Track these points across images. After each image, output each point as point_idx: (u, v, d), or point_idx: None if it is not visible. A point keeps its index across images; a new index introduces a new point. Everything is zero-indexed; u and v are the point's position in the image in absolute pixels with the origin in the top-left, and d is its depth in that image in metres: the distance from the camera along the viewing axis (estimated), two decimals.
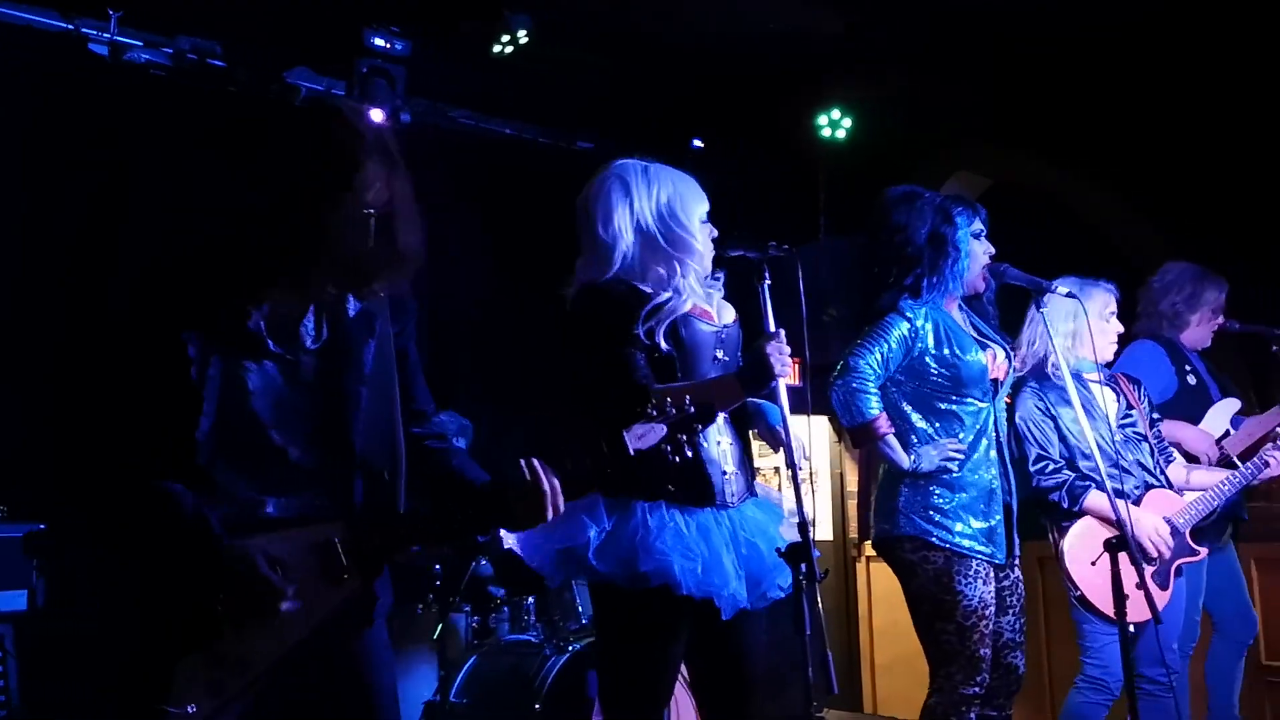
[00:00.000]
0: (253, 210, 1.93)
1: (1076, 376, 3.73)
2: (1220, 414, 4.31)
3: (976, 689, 3.10)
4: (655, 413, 2.14)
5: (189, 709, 1.81)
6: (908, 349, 3.21)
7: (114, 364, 1.92)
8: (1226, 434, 4.27)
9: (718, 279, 2.81)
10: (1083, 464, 3.66)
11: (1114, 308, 3.81)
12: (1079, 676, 3.82)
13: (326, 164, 1.91)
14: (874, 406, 3.14)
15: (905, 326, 3.20)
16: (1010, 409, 3.81)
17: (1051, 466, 3.65)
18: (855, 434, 3.18)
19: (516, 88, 5.64)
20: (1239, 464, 4.16)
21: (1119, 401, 3.87)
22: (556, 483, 2.02)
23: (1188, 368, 4.38)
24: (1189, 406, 4.29)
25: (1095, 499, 3.59)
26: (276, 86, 5.16)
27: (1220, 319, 4.40)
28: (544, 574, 2.66)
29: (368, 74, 4.97)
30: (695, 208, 2.75)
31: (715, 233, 2.77)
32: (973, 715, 3.11)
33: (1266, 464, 3.94)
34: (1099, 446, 3.54)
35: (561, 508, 2.02)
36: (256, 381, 1.93)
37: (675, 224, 2.72)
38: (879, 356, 3.19)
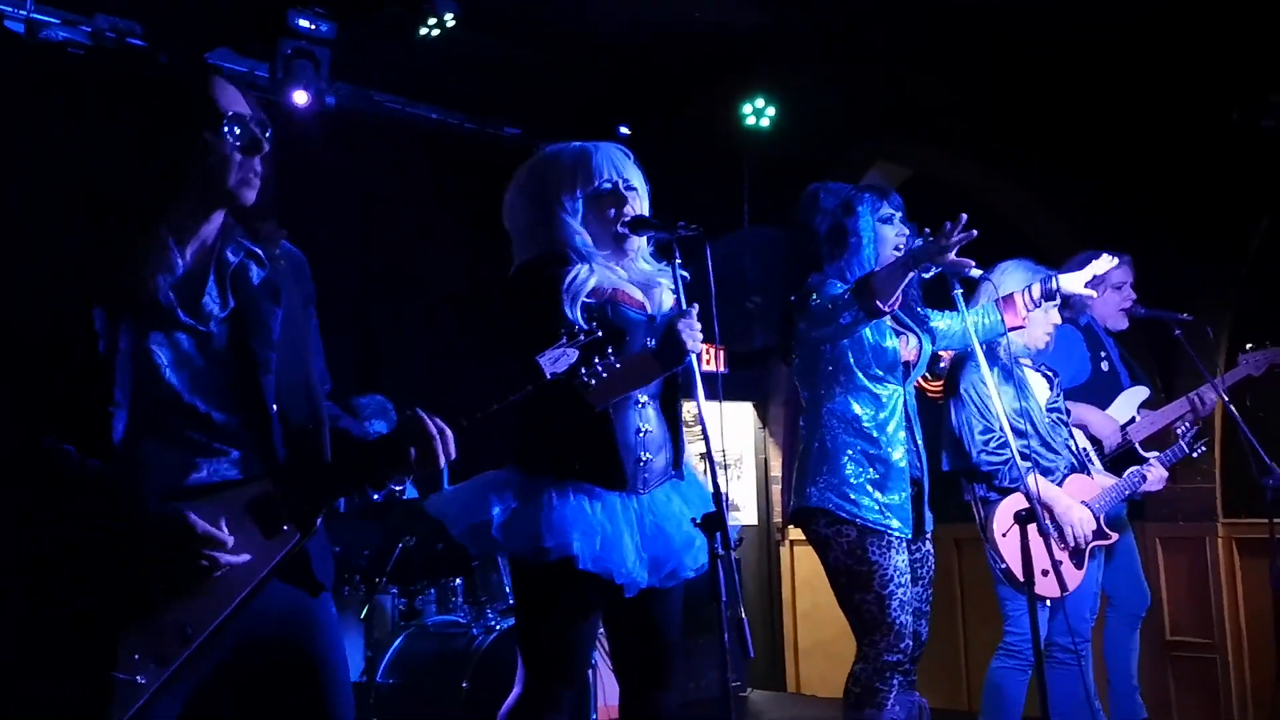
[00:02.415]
0: (126, 158, 1.98)
1: (1014, 360, 3.89)
2: (1128, 401, 4.48)
3: (899, 656, 3.20)
4: (566, 338, 2.21)
5: (138, 679, 1.81)
6: None
7: (19, 342, 1.91)
8: (1132, 421, 4.44)
9: (664, 270, 2.86)
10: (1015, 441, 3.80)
11: (1056, 300, 3.90)
12: (999, 646, 3.97)
13: (189, 103, 1.97)
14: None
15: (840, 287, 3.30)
16: (950, 382, 3.95)
17: (995, 443, 3.78)
18: (867, 297, 3.12)
19: (443, 73, 5.62)
20: (1140, 451, 4.35)
21: (1051, 388, 4.03)
22: (448, 430, 2.05)
23: (1102, 354, 4.55)
24: (1100, 392, 4.45)
25: (1034, 480, 3.74)
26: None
27: (1128, 296, 4.54)
28: (465, 545, 2.74)
29: (291, 55, 4.90)
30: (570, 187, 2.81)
31: (630, 217, 2.81)
32: (896, 681, 3.21)
33: (1144, 477, 4.10)
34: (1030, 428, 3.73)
35: (453, 453, 2.05)
36: (170, 354, 1.94)
37: (589, 208, 2.80)
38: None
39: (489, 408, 2.12)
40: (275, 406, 2.01)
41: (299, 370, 2.07)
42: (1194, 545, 5.40)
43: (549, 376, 2.17)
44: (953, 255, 3.01)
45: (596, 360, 2.23)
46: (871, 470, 3.26)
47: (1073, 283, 3.66)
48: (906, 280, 3.13)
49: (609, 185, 2.81)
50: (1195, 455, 4.31)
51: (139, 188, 1.97)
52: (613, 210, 2.81)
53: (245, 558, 1.90)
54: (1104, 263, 3.68)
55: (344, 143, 5.48)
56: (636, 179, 2.88)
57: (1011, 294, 3.66)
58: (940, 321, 3.56)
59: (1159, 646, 5.35)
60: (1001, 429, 3.74)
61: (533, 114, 6.00)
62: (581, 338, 2.23)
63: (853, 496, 3.24)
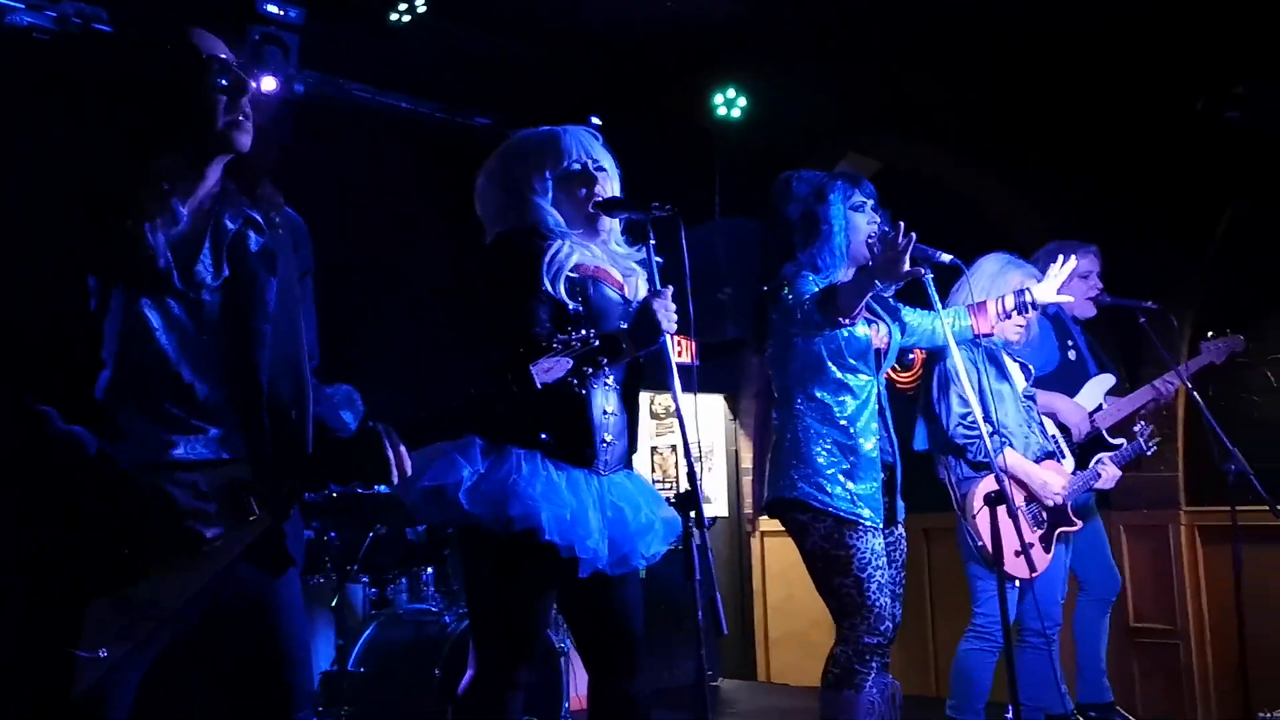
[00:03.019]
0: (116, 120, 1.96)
1: (997, 348, 3.96)
2: (1095, 389, 4.56)
3: (879, 639, 3.22)
4: (560, 346, 2.18)
5: (100, 653, 1.80)
6: None
7: (9, 300, 1.87)
8: (1099, 408, 4.52)
9: (635, 254, 2.88)
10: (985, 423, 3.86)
11: (1029, 312, 3.91)
12: (968, 627, 4.01)
13: (168, 50, 1.96)
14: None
15: (814, 285, 3.32)
16: (929, 359, 4.00)
17: (970, 419, 3.82)
18: (829, 310, 3.19)
19: (414, 61, 5.59)
20: (1107, 438, 4.42)
21: (1026, 378, 4.09)
22: (403, 449, 2.02)
23: (1070, 342, 4.62)
24: (1067, 380, 4.51)
25: (1009, 456, 3.83)
26: None
27: (1095, 284, 4.61)
28: (414, 512, 2.70)
29: (259, 41, 4.84)
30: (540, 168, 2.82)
31: (601, 198, 2.81)
32: (875, 664, 3.23)
33: (1098, 475, 4.17)
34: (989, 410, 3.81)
35: (409, 470, 2.03)
36: (160, 319, 1.91)
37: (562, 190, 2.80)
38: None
39: (447, 409, 2.11)
40: (265, 382, 1.98)
41: (291, 343, 2.05)
42: (1157, 533, 5.48)
43: (539, 386, 2.15)
44: (906, 265, 3.02)
45: (588, 370, 2.20)
46: (844, 460, 3.28)
47: (1045, 293, 3.73)
48: (867, 296, 3.15)
49: (578, 166, 2.82)
50: (1149, 453, 4.40)
51: (131, 144, 1.95)
52: (583, 190, 2.81)
53: (221, 530, 1.88)
54: (1067, 266, 3.74)
55: (312, 131, 5.43)
56: (606, 160, 2.88)
57: (985, 301, 3.70)
58: (911, 317, 3.59)
59: (1123, 633, 5.42)
60: (972, 406, 3.79)
61: (504, 103, 5.97)
62: (577, 345, 2.20)
63: (826, 487, 3.26)
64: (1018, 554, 3.65)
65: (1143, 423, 4.39)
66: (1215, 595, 5.31)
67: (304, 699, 2.06)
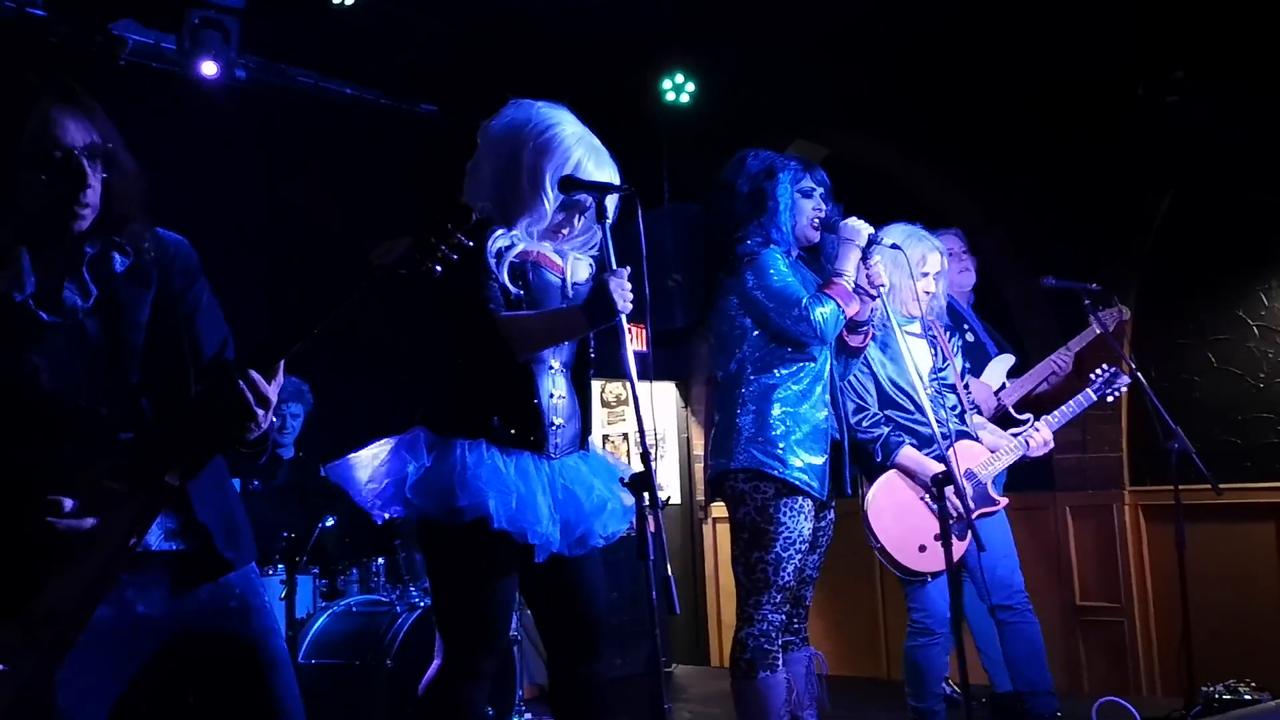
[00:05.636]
0: None
1: (889, 329, 3.86)
2: (998, 369, 4.67)
3: (783, 616, 3.26)
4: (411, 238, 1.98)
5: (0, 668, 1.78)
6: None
7: None
8: (1003, 387, 4.62)
9: (588, 244, 2.86)
10: (897, 414, 3.85)
11: (930, 267, 3.93)
12: (908, 623, 3.99)
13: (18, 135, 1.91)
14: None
15: (782, 259, 3.34)
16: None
17: (869, 420, 3.80)
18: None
19: (357, 47, 5.51)
20: (1014, 414, 4.45)
21: (934, 355, 4.05)
22: (259, 379, 1.92)
23: (965, 326, 4.73)
24: (969, 362, 4.55)
25: (906, 455, 3.78)
26: (101, 38, 4.92)
27: (964, 261, 4.82)
28: (368, 509, 2.68)
29: (199, 25, 4.75)
30: (555, 175, 2.73)
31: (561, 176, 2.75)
32: (780, 642, 3.25)
33: (1026, 444, 4.07)
34: (913, 395, 3.79)
35: (272, 399, 1.95)
36: (43, 359, 1.92)
37: (529, 185, 2.74)
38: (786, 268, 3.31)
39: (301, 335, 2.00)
40: (143, 390, 1.99)
41: (173, 356, 2.05)
42: (1102, 512, 5.56)
43: (375, 267, 1.99)
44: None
45: (433, 240, 1.96)
46: (797, 431, 3.29)
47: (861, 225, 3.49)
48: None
49: (590, 204, 2.77)
50: (1111, 399, 4.26)
51: None
52: (578, 216, 2.80)
53: (90, 522, 1.87)
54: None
55: (253, 117, 5.35)
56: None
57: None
58: None
59: (1069, 611, 5.51)
60: (868, 403, 3.81)
61: (449, 90, 5.91)
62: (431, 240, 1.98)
63: (778, 454, 3.25)
64: (922, 549, 3.68)
65: (1098, 369, 4.27)
66: (1159, 573, 5.40)
67: (293, 711, 2.10)
